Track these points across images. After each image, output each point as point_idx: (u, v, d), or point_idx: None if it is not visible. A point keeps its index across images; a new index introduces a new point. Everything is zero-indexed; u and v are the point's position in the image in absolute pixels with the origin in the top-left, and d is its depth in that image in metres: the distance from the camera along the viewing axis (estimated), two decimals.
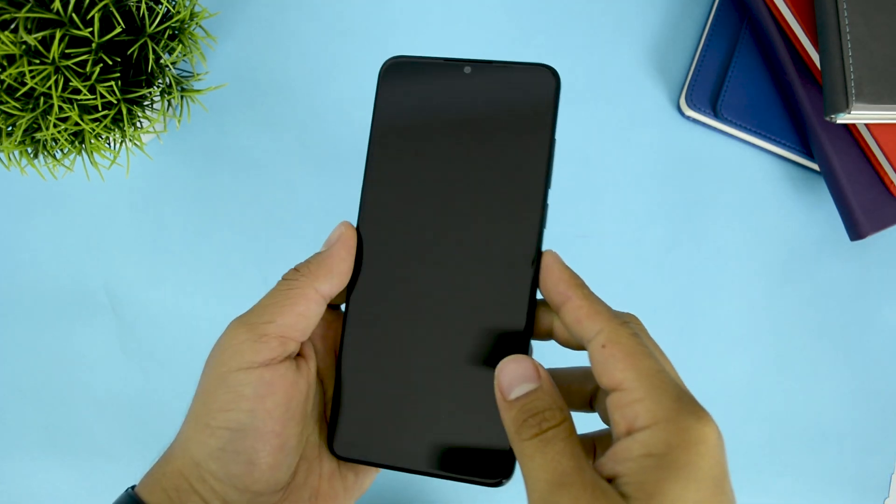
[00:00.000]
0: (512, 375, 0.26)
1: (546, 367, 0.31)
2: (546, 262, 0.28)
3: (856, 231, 0.50)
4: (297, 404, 0.27)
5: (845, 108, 0.45)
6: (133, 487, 0.28)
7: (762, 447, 0.53)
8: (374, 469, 0.31)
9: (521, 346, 0.28)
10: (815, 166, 0.53)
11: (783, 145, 0.52)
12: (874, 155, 0.50)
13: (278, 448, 0.26)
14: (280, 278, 0.29)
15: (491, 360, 0.28)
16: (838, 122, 0.47)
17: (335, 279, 0.28)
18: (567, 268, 0.28)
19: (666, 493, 0.21)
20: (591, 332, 0.26)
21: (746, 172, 0.54)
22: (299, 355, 0.29)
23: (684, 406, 0.23)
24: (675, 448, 0.22)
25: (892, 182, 0.50)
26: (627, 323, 0.26)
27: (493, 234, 0.28)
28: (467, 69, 0.29)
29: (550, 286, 0.27)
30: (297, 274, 0.28)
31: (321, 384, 0.30)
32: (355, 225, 0.29)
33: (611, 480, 0.23)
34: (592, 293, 0.27)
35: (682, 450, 0.22)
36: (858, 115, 0.46)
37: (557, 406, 0.25)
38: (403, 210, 0.29)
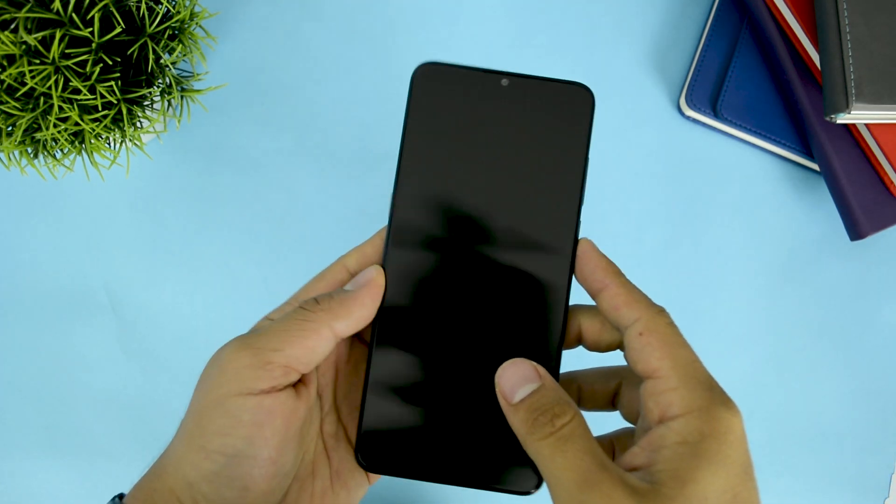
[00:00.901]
0: (513, 379, 0.26)
1: (567, 368, 0.31)
2: (583, 249, 0.28)
3: (856, 231, 0.50)
4: (294, 431, 0.27)
5: (845, 108, 0.45)
6: (121, 496, 0.27)
7: (762, 447, 0.53)
8: (365, 486, 0.31)
9: (551, 355, 0.28)
10: (815, 166, 0.53)
11: (783, 145, 0.52)
12: (874, 155, 0.50)
13: (273, 475, 0.26)
14: (291, 299, 0.29)
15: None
16: (838, 122, 0.47)
17: (352, 322, 0.27)
18: (604, 255, 0.28)
19: (699, 480, 0.22)
20: (629, 320, 0.26)
21: (746, 172, 0.54)
22: (300, 381, 0.28)
23: (716, 396, 0.24)
24: (708, 437, 0.23)
25: (892, 182, 0.50)
26: (664, 312, 0.26)
27: (528, 251, 0.28)
28: (504, 82, 0.28)
29: (588, 273, 0.28)
30: (316, 307, 0.27)
31: (320, 400, 0.30)
32: (387, 227, 0.29)
33: (636, 470, 0.24)
34: (629, 281, 0.27)
35: (713, 439, 0.23)
36: (858, 115, 0.46)
37: (565, 400, 0.25)
38: (438, 220, 0.28)
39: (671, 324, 0.26)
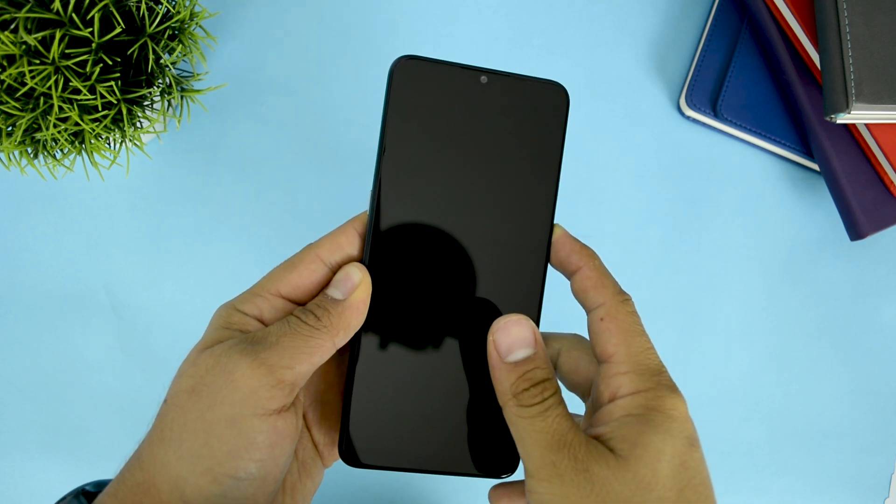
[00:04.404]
0: (512, 338, 0.27)
1: None
2: (557, 234, 0.29)
3: (856, 231, 0.50)
4: (294, 448, 0.27)
5: (845, 108, 0.45)
6: (85, 495, 0.26)
7: (762, 447, 0.53)
8: (322, 471, 0.31)
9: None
10: (815, 166, 0.53)
11: (783, 145, 0.52)
12: (874, 155, 0.50)
13: (273, 492, 0.26)
14: (257, 287, 0.28)
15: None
16: (838, 122, 0.47)
17: (351, 333, 0.27)
18: (577, 240, 0.29)
19: (648, 444, 0.24)
20: (593, 304, 0.27)
21: (746, 172, 0.54)
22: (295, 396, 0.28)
23: (663, 381, 0.26)
24: (652, 410, 0.25)
25: (892, 182, 0.50)
26: (628, 300, 0.27)
27: (506, 244, 0.29)
28: (483, 79, 0.29)
29: (563, 257, 0.29)
30: (319, 324, 0.27)
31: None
32: (368, 223, 0.29)
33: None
34: (602, 265, 0.28)
35: (657, 412, 0.24)
36: (858, 115, 0.46)
37: (552, 375, 0.26)
38: (418, 215, 0.29)
39: (632, 312, 0.27)
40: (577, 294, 0.28)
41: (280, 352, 0.26)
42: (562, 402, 0.26)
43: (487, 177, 0.29)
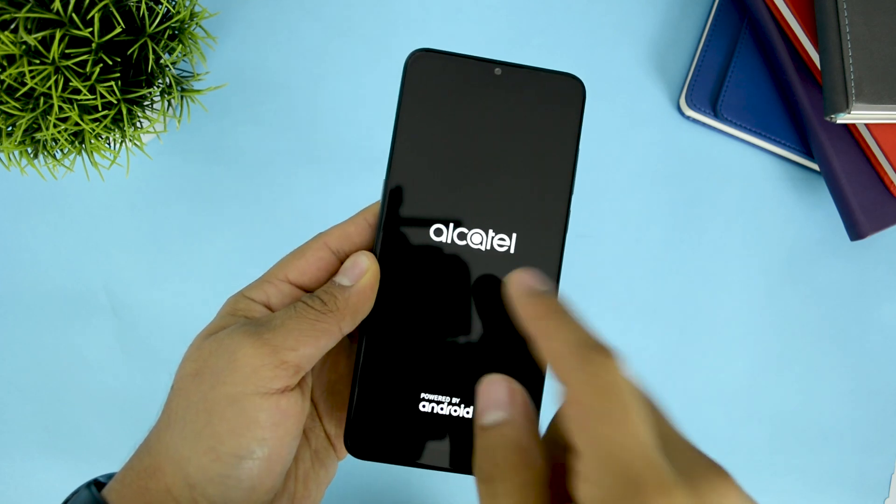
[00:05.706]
0: (485, 399, 0.23)
1: None
2: (508, 292, 0.25)
3: (856, 231, 0.50)
4: (300, 429, 0.27)
5: (845, 108, 0.45)
6: (97, 486, 0.26)
7: (762, 447, 0.53)
8: (336, 462, 0.31)
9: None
10: (815, 166, 0.53)
11: (783, 145, 0.53)
12: (874, 155, 0.50)
13: (279, 472, 0.26)
14: (268, 274, 0.29)
15: (508, 359, 0.29)
16: (838, 122, 0.47)
17: (358, 319, 0.27)
18: (527, 297, 0.24)
19: None
20: (559, 383, 0.22)
21: (746, 172, 0.54)
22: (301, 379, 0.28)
23: (626, 490, 0.19)
24: None
25: (892, 182, 0.50)
26: (595, 361, 0.21)
27: (518, 240, 0.29)
28: (498, 71, 0.29)
29: (517, 322, 0.24)
30: (325, 308, 0.27)
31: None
32: (380, 213, 0.29)
33: None
34: (556, 326, 0.22)
35: None
36: (858, 115, 0.46)
37: (516, 455, 0.22)
38: (430, 208, 0.29)
39: (602, 388, 0.20)
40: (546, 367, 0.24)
41: (284, 333, 0.26)
42: (516, 494, 0.21)
43: (501, 169, 0.29)
